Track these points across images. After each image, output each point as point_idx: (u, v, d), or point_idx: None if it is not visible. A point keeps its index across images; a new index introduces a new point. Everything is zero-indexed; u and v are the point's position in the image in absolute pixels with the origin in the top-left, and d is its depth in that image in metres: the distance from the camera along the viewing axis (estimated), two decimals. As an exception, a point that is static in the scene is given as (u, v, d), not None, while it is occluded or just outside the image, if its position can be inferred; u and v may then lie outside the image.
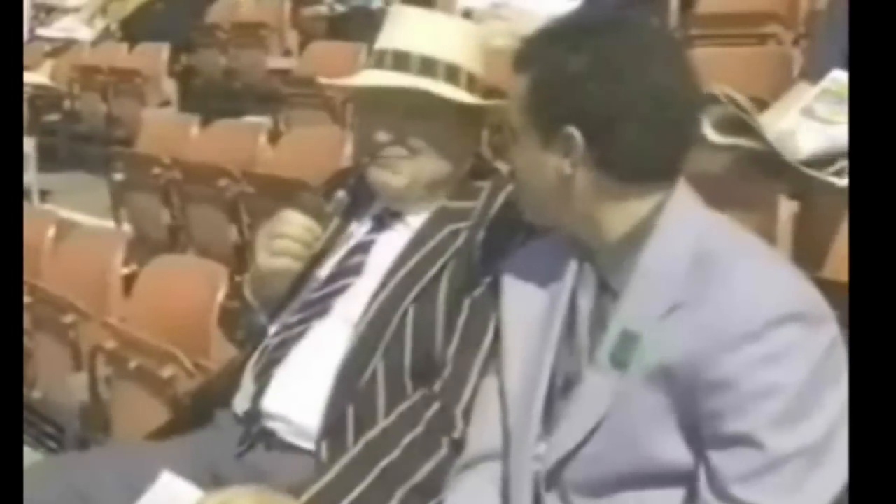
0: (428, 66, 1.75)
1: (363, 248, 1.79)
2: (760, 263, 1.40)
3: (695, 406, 1.34)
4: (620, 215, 1.45)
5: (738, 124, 2.04)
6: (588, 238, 1.49)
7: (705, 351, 1.32)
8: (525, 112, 1.46)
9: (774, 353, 1.30)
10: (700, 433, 1.35)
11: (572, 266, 1.51)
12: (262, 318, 1.83)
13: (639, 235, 1.44)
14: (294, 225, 1.74)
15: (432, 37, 1.77)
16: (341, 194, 1.80)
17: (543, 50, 1.46)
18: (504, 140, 1.56)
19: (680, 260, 1.39)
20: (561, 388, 1.48)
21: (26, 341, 3.43)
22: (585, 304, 1.49)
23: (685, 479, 1.36)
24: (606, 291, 1.47)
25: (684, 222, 1.43)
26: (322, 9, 6.07)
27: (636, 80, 1.40)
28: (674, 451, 1.37)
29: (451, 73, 1.76)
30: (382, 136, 1.74)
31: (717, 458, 1.33)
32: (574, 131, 1.41)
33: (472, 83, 1.78)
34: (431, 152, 1.75)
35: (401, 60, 1.76)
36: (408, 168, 1.75)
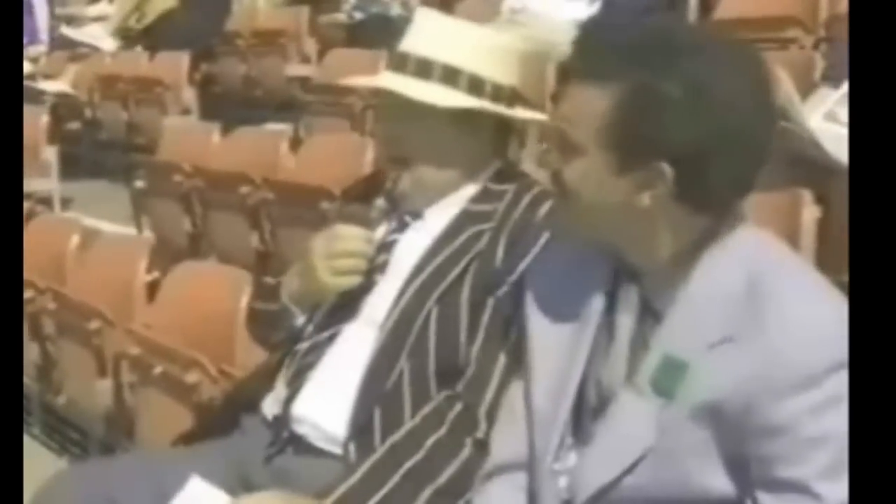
0: (451, 74, 1.74)
1: (386, 247, 1.79)
2: (815, 300, 1.33)
3: (744, 445, 1.31)
4: (674, 237, 1.37)
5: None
6: (636, 259, 1.41)
7: (761, 392, 1.28)
8: (601, 132, 1.32)
9: (832, 399, 1.27)
10: (748, 472, 1.32)
11: (604, 280, 1.45)
12: (301, 322, 1.82)
13: (688, 257, 1.37)
14: (353, 239, 1.74)
15: (446, 42, 1.76)
16: (380, 201, 1.81)
17: (628, 66, 1.30)
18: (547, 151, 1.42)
19: (732, 288, 1.32)
20: (594, 407, 1.44)
21: (51, 348, 3.47)
22: (626, 323, 1.42)
23: None
24: (648, 312, 1.40)
25: (734, 249, 1.36)
26: (340, 16, 6.10)
27: (728, 111, 1.29)
28: (722, 485, 1.34)
29: (449, 73, 1.74)
30: (390, 137, 1.79)
31: (769, 501, 1.31)
32: (666, 168, 1.30)
33: (497, 90, 1.75)
34: (430, 156, 1.76)
35: (422, 67, 1.74)
36: (408, 171, 1.76)
